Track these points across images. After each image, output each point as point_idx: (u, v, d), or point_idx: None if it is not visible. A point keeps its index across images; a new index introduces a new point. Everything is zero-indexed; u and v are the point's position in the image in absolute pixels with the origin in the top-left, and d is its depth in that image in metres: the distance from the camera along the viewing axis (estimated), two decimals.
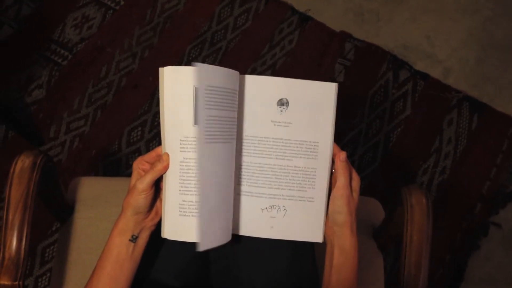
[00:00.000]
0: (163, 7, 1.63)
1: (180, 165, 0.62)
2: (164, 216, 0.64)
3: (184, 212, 0.63)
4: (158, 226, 0.66)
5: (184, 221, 0.63)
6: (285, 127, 0.67)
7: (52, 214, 0.88)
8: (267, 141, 0.67)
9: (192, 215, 0.63)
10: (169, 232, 0.64)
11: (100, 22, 1.60)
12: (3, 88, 1.50)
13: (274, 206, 0.68)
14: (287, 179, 0.68)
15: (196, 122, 0.61)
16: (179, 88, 0.61)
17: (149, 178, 0.62)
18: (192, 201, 0.63)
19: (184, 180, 0.62)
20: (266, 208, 0.68)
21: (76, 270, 0.86)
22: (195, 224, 0.63)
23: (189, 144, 0.62)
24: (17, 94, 1.49)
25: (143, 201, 0.62)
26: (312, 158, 0.67)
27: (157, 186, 0.65)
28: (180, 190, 0.63)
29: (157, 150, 0.65)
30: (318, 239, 0.69)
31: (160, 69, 0.62)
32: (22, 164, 0.72)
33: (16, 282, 0.68)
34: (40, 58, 1.54)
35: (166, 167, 0.62)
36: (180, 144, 0.62)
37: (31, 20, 1.60)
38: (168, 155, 0.62)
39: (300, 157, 0.67)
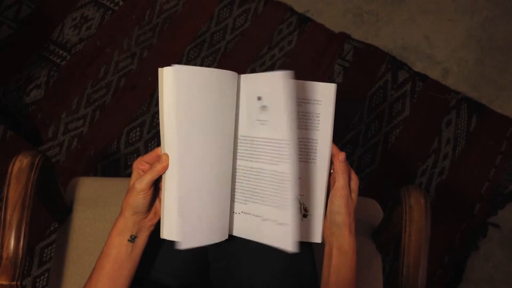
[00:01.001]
0: (162, 7, 1.63)
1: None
2: (163, 216, 0.64)
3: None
4: (157, 226, 0.66)
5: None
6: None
7: (51, 214, 0.88)
8: (258, 141, 0.65)
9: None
10: (168, 233, 0.64)
11: (99, 23, 1.60)
12: (1, 88, 1.50)
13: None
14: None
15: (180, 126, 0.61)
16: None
17: (147, 178, 0.62)
18: None
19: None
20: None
21: (74, 270, 0.86)
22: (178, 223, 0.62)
23: None
24: (16, 94, 1.49)
25: (142, 201, 0.62)
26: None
27: (156, 186, 0.65)
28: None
29: (157, 150, 0.65)
30: (317, 239, 0.69)
31: (160, 69, 0.61)
32: (20, 164, 0.72)
33: (14, 282, 0.68)
34: (39, 59, 1.54)
35: (165, 168, 0.62)
36: None
37: (30, 21, 1.60)
38: (167, 155, 0.62)
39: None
